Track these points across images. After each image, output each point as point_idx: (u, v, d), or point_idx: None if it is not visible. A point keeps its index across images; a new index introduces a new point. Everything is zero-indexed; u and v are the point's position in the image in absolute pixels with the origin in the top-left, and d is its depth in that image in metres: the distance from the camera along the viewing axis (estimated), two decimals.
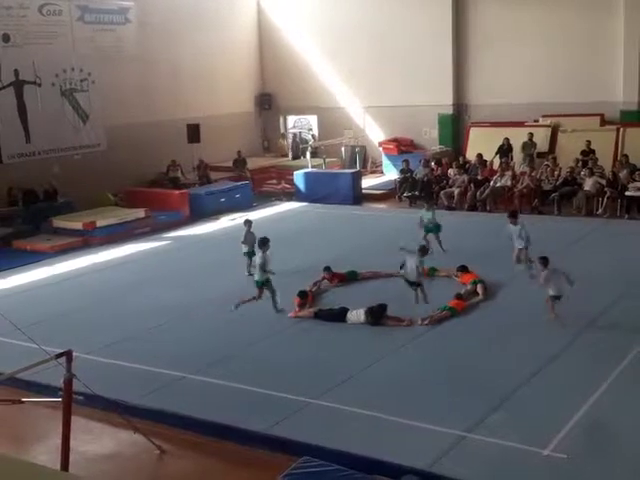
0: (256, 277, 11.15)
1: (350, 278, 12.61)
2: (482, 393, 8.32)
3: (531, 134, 20.49)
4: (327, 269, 12.39)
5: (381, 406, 8.07)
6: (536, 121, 21.35)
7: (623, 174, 17.75)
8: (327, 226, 17.30)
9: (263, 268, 10.95)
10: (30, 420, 8.40)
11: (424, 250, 11.39)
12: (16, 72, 18.26)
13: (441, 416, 7.79)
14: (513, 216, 12.61)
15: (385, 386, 8.68)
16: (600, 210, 17.53)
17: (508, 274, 12.22)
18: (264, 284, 11.04)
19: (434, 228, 13.83)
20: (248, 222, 13.32)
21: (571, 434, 7.37)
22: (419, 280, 10.85)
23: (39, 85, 18.79)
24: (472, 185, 18.93)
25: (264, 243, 11.32)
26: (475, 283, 11.67)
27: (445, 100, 22.79)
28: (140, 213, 18.06)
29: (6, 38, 18.05)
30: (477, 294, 11.51)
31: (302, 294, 11.38)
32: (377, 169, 23.99)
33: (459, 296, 11.17)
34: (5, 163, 18.06)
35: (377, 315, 10.49)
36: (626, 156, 18.51)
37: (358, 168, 22.43)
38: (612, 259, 13.39)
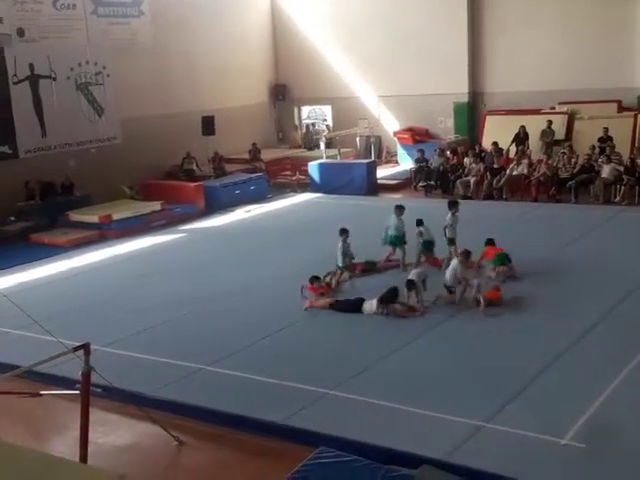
0: (339, 262, 11.99)
1: (368, 268, 12.57)
2: (499, 383, 8.28)
3: (550, 121, 20.30)
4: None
5: (397, 396, 8.06)
6: (552, 108, 21.15)
7: None
8: (342, 217, 17.21)
9: (345, 254, 11.91)
10: (49, 413, 8.46)
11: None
12: (31, 66, 18.34)
13: (458, 406, 7.76)
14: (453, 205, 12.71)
15: (401, 377, 8.66)
16: (618, 198, 17.36)
17: (526, 265, 12.13)
18: (346, 268, 12.02)
19: (396, 239, 12.60)
20: (344, 232, 12.27)
21: (589, 424, 7.32)
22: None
23: (54, 79, 18.85)
24: (488, 174, 18.81)
25: (344, 232, 12.04)
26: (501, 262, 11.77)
27: (460, 88, 22.63)
28: (156, 206, 18.13)
29: (21, 33, 18.12)
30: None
31: (315, 279, 11.37)
32: (392, 159, 23.90)
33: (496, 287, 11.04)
34: (22, 158, 18.16)
35: (388, 299, 10.44)
36: None
37: (373, 158, 22.36)
38: (630, 247, 13.26)
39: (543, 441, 7.06)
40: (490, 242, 12.28)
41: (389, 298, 10.49)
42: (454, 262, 10.94)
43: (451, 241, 12.40)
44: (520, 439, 7.14)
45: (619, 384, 8.10)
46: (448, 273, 10.82)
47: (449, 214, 12.56)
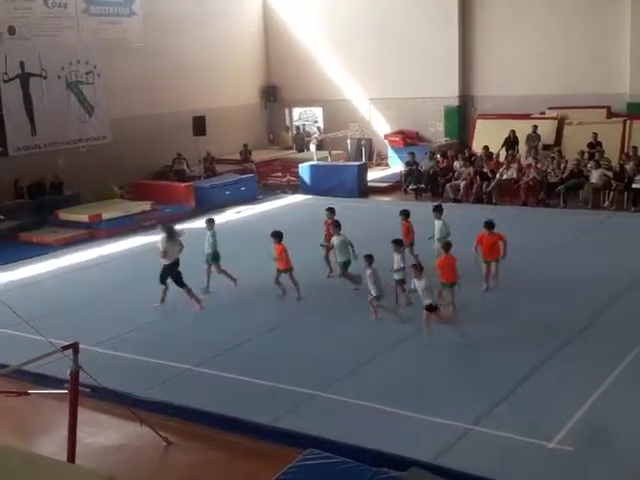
0: (339, 259, 11.77)
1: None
2: (487, 386, 8.31)
3: (535, 126, 20.42)
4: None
5: (386, 399, 8.08)
6: (542, 113, 21.27)
7: (630, 166, 17.66)
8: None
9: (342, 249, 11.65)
10: (36, 412, 8.42)
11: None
12: (22, 65, 18.28)
13: (446, 409, 7.79)
14: (438, 210, 12.39)
15: (390, 379, 8.68)
16: (607, 203, 17.47)
17: (512, 269, 12.17)
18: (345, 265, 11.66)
19: (209, 258, 12.13)
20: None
21: (576, 427, 7.36)
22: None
23: (45, 78, 18.80)
24: (478, 178, 18.88)
25: (338, 226, 11.94)
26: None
27: (451, 92, 22.73)
28: (146, 206, 18.09)
29: (12, 30, 18.05)
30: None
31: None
32: (383, 162, 23.97)
33: None
34: (11, 156, 18.09)
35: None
36: (635, 148, 18.38)
37: (364, 161, 22.38)
38: (618, 252, 13.34)
39: (531, 444, 7.08)
40: (489, 226, 11.43)
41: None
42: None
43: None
44: (508, 442, 7.16)
45: (607, 388, 8.14)
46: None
47: (441, 221, 12.17)
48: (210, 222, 12.35)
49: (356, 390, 8.36)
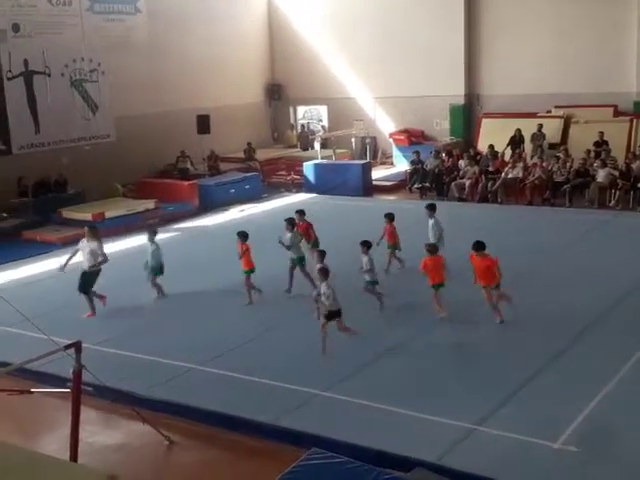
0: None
1: None
2: (492, 386, 8.26)
3: (540, 125, 20.33)
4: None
5: (390, 398, 8.02)
6: (548, 112, 21.19)
7: (636, 165, 17.58)
8: (336, 217, 17.22)
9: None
10: (39, 411, 8.40)
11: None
12: (26, 62, 18.27)
13: (451, 409, 7.74)
14: (431, 209, 12.27)
15: (394, 379, 8.62)
16: (613, 202, 17.39)
17: (518, 268, 12.11)
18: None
19: (152, 270, 11.67)
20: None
21: (581, 428, 7.30)
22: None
23: (49, 75, 18.78)
24: (483, 177, 18.81)
25: (292, 224, 11.64)
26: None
27: (457, 90, 22.65)
28: (149, 204, 18.06)
29: (16, 28, 18.04)
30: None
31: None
32: (387, 160, 23.91)
33: None
34: (15, 154, 18.08)
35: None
36: None
37: (368, 159, 22.35)
38: (623, 252, 13.26)
39: (535, 445, 7.03)
40: (478, 247, 9.97)
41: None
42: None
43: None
44: (512, 442, 7.11)
45: (612, 388, 8.08)
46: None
47: (433, 220, 12.08)
48: (152, 233, 11.86)
49: (360, 390, 8.30)
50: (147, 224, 16.81)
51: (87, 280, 11.20)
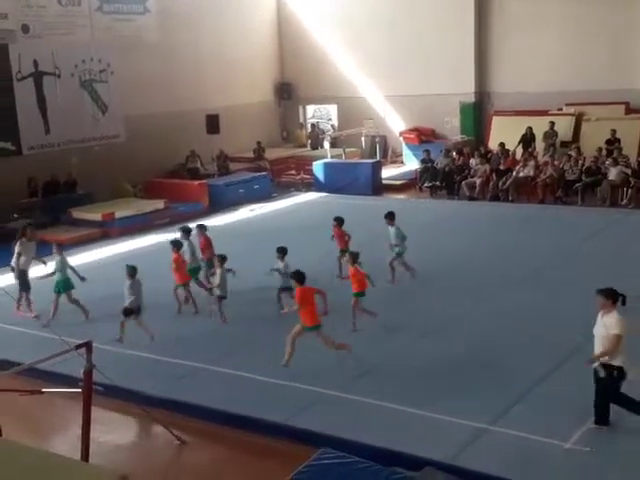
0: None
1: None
2: (503, 386, 8.21)
3: (552, 123, 20.21)
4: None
5: (401, 398, 7.99)
6: (560, 110, 21.06)
7: None
8: (346, 217, 17.15)
9: None
10: (50, 411, 8.42)
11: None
12: (35, 63, 18.32)
13: (462, 409, 7.69)
14: (390, 217, 11.97)
15: (405, 379, 8.59)
16: (625, 200, 17.26)
17: (531, 266, 12.04)
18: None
19: (63, 284, 10.91)
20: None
21: (593, 428, 7.23)
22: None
23: (58, 76, 18.84)
24: (494, 175, 18.72)
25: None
26: None
27: (467, 88, 22.55)
28: (159, 204, 18.08)
29: (25, 29, 18.09)
30: None
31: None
32: (397, 159, 23.84)
33: None
34: (25, 154, 18.14)
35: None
36: None
37: (378, 158, 22.29)
38: (636, 251, 13.15)
39: (547, 445, 6.99)
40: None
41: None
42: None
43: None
44: (524, 442, 7.07)
45: (624, 388, 7.99)
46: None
47: (394, 228, 11.83)
48: (58, 246, 11.24)
49: (370, 389, 8.27)
50: (156, 224, 16.84)
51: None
